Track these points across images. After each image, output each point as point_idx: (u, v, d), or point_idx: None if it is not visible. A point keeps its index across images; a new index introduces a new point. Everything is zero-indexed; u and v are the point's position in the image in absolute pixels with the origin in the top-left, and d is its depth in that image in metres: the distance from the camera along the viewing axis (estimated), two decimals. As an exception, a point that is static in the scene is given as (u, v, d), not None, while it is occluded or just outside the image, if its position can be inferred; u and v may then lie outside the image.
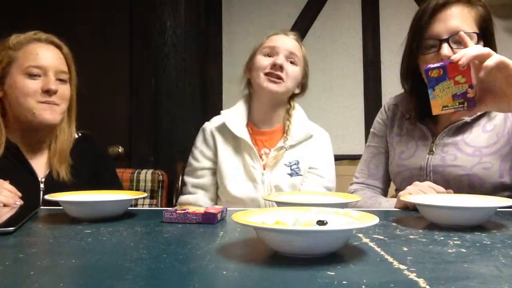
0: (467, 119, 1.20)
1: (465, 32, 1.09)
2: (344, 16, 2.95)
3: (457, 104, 1.00)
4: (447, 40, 1.14)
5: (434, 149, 1.22)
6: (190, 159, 1.53)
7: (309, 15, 2.93)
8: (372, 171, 1.39)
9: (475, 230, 0.76)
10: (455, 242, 0.67)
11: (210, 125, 1.54)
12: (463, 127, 1.21)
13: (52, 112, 1.26)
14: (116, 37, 2.39)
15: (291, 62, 1.46)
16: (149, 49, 2.34)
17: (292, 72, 1.45)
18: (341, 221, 0.65)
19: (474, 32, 1.14)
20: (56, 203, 0.92)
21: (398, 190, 1.32)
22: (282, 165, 1.44)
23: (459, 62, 0.95)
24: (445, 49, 1.13)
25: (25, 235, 0.75)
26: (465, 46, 1.01)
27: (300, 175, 1.44)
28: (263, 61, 1.45)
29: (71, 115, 1.36)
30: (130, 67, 2.39)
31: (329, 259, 0.56)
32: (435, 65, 0.99)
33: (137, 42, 2.38)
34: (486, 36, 1.19)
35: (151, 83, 2.34)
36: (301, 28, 2.88)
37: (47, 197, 0.92)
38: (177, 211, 0.86)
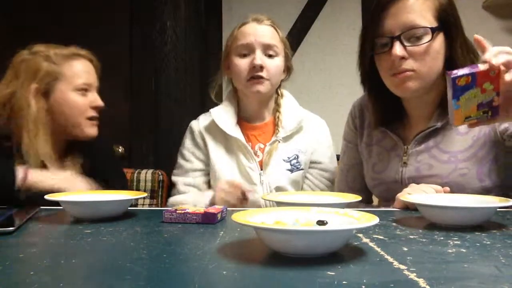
0: (438, 125, 1.12)
1: (418, 27, 1.03)
2: (344, 16, 2.95)
3: (481, 113, 0.90)
4: (398, 38, 1.05)
5: (407, 160, 1.15)
6: (180, 160, 1.45)
7: (309, 15, 2.93)
8: (350, 184, 1.32)
9: (475, 230, 0.76)
10: (455, 242, 0.67)
11: (198, 125, 1.46)
12: (436, 131, 1.13)
13: (95, 127, 1.33)
14: (116, 37, 2.39)
15: (270, 56, 1.36)
16: (149, 49, 2.34)
17: (274, 67, 1.36)
18: (341, 221, 0.65)
19: (428, 27, 1.04)
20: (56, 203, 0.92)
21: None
22: (281, 160, 1.38)
23: (492, 66, 0.84)
24: (397, 48, 1.04)
25: (25, 235, 0.75)
26: (483, 51, 0.90)
27: (302, 169, 1.39)
28: (241, 65, 1.35)
29: None
30: (130, 67, 2.39)
31: (329, 259, 0.56)
32: (463, 72, 0.87)
33: (137, 42, 2.38)
34: (448, 28, 1.07)
35: (151, 83, 2.34)
36: (301, 28, 2.89)
37: (47, 197, 0.92)
38: (177, 211, 0.86)
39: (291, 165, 1.38)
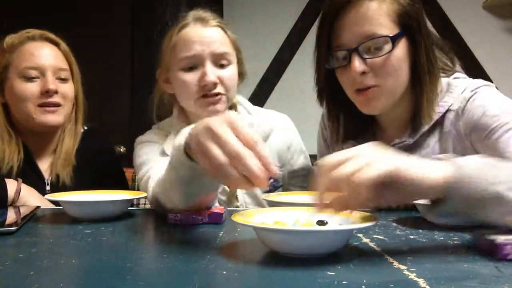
0: (410, 140, 1.01)
1: (376, 37, 0.92)
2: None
3: None
4: (356, 50, 0.94)
5: None
6: (140, 167, 1.14)
7: (309, 15, 2.93)
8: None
9: (475, 230, 0.75)
10: (455, 242, 0.67)
11: (151, 139, 1.19)
12: (409, 150, 1.00)
13: (54, 114, 1.20)
14: (118, 38, 2.39)
15: (222, 66, 1.12)
16: (150, 49, 2.34)
17: (229, 78, 1.13)
18: (341, 221, 0.65)
19: (388, 36, 0.93)
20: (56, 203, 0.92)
21: None
22: None
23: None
24: (356, 63, 0.93)
25: (25, 235, 0.75)
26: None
27: (280, 185, 1.22)
28: (188, 81, 1.10)
29: (78, 114, 1.31)
30: (131, 68, 2.39)
31: (329, 259, 0.56)
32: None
33: (138, 43, 2.39)
34: (411, 32, 0.95)
35: (152, 84, 2.34)
36: (302, 28, 2.88)
37: (47, 197, 0.92)
38: (182, 213, 0.85)
39: (269, 186, 1.17)
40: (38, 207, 1.00)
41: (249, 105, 1.26)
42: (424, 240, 0.69)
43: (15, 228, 0.75)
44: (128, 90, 2.37)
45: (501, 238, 0.57)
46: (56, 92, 1.19)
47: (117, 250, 0.65)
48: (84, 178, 1.25)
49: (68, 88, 1.24)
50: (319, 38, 1.01)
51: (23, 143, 1.23)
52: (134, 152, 1.20)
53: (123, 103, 2.37)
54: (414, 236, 0.72)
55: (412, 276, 0.49)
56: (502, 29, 2.77)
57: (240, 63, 1.20)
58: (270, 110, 1.31)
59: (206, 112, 1.09)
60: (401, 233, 0.74)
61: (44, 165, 1.26)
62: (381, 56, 0.94)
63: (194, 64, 1.11)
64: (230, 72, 1.14)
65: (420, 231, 0.76)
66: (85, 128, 1.37)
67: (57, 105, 1.21)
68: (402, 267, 0.53)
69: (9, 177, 1.13)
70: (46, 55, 1.20)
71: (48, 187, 1.23)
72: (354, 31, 0.94)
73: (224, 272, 0.52)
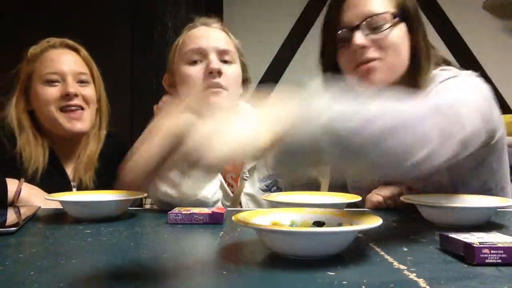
0: None
1: (378, 14, 0.98)
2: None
3: None
4: (358, 27, 0.99)
5: None
6: None
7: (310, 15, 2.94)
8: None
9: (475, 230, 0.75)
10: (455, 242, 0.67)
11: None
12: None
13: (79, 121, 1.22)
14: (118, 38, 2.39)
15: (225, 62, 1.13)
16: (151, 50, 2.34)
17: (232, 74, 1.13)
18: (341, 221, 0.65)
19: (388, 12, 0.99)
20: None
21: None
22: (258, 191, 1.19)
23: None
24: (357, 37, 0.98)
25: (25, 235, 0.75)
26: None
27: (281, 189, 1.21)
28: (193, 73, 1.10)
29: (102, 119, 1.34)
30: (132, 68, 2.39)
31: (329, 259, 0.56)
32: None
33: (138, 43, 2.39)
34: (409, 20, 1.02)
35: (153, 84, 2.34)
36: (302, 28, 2.89)
37: (47, 197, 0.92)
38: (183, 212, 0.85)
39: (271, 192, 1.18)
40: (39, 207, 1.00)
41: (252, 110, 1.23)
42: (424, 240, 0.69)
43: (15, 228, 0.75)
44: (129, 91, 2.37)
45: (476, 241, 0.54)
46: (76, 95, 1.22)
47: (117, 250, 0.65)
48: (106, 181, 1.25)
49: (88, 91, 1.27)
50: (326, 21, 1.06)
51: (50, 147, 1.25)
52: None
53: (123, 104, 2.37)
54: (414, 236, 0.72)
55: (412, 276, 0.49)
56: (502, 29, 2.78)
57: (244, 68, 1.20)
58: None
59: (207, 105, 1.06)
60: (401, 233, 0.74)
61: (70, 169, 1.28)
62: (382, 31, 0.99)
63: (199, 57, 1.11)
64: (233, 70, 1.14)
65: (420, 231, 0.76)
66: (104, 132, 1.38)
67: (79, 107, 1.23)
68: (402, 267, 0.53)
69: (35, 178, 1.16)
70: (66, 60, 1.25)
71: (74, 190, 1.25)
72: (358, 11, 0.99)
73: (224, 272, 0.51)
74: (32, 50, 1.27)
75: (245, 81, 1.21)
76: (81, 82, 1.25)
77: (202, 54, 1.11)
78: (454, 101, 0.78)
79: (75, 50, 1.29)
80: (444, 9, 2.81)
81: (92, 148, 1.29)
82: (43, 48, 1.26)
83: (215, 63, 1.09)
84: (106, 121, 1.35)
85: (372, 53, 0.99)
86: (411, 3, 1.03)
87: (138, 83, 2.37)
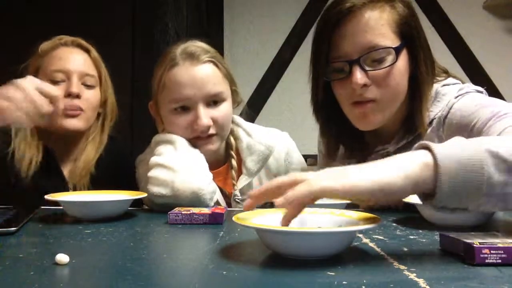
0: (391, 149, 0.99)
1: (379, 48, 0.90)
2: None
3: None
4: (358, 62, 0.90)
5: None
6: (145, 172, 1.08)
7: (310, 16, 2.93)
8: None
9: (475, 230, 0.75)
10: (455, 242, 0.67)
11: None
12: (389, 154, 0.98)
13: (75, 119, 1.20)
14: (118, 38, 2.39)
15: (215, 103, 1.09)
16: (151, 50, 2.34)
17: (223, 118, 1.10)
18: (341, 222, 0.65)
19: (391, 47, 0.91)
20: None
21: None
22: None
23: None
24: (358, 74, 0.90)
25: (25, 235, 0.75)
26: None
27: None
28: (179, 124, 1.08)
29: (105, 124, 1.31)
30: (132, 68, 2.39)
31: (329, 260, 0.56)
32: None
33: (138, 43, 2.39)
34: (411, 42, 0.94)
35: (153, 84, 2.34)
36: (302, 28, 2.88)
37: (47, 197, 0.92)
38: (183, 213, 0.85)
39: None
40: (39, 207, 1.00)
41: (247, 125, 1.21)
42: (424, 240, 0.69)
43: (15, 228, 0.75)
44: (129, 91, 2.37)
45: (476, 241, 0.54)
46: (78, 96, 1.20)
47: (117, 250, 0.65)
48: (101, 187, 1.23)
49: (92, 95, 1.25)
50: (317, 49, 0.97)
51: (47, 147, 1.23)
52: (137, 172, 1.18)
53: (123, 104, 2.37)
54: (414, 236, 0.72)
55: (412, 276, 0.49)
56: (502, 29, 2.77)
57: (234, 93, 1.16)
58: (270, 129, 1.26)
59: (200, 150, 1.08)
60: (401, 233, 0.74)
61: (67, 170, 1.26)
62: (384, 68, 0.91)
63: (186, 106, 1.08)
64: (224, 111, 1.10)
65: (420, 231, 0.76)
66: (106, 136, 1.33)
67: (78, 109, 1.21)
68: (402, 267, 0.53)
69: (29, 177, 1.14)
70: (74, 60, 1.23)
71: (71, 191, 1.22)
72: (355, 42, 0.91)
73: (224, 272, 0.51)
74: (44, 45, 1.25)
75: (234, 98, 1.17)
76: (86, 85, 1.23)
77: (190, 104, 1.07)
78: None
79: (86, 50, 1.28)
80: (444, 9, 2.80)
81: (89, 153, 1.26)
82: (54, 45, 1.25)
83: (204, 118, 1.06)
84: (110, 127, 1.32)
85: (371, 92, 0.92)
86: (413, 22, 0.94)
87: (139, 83, 2.37)
